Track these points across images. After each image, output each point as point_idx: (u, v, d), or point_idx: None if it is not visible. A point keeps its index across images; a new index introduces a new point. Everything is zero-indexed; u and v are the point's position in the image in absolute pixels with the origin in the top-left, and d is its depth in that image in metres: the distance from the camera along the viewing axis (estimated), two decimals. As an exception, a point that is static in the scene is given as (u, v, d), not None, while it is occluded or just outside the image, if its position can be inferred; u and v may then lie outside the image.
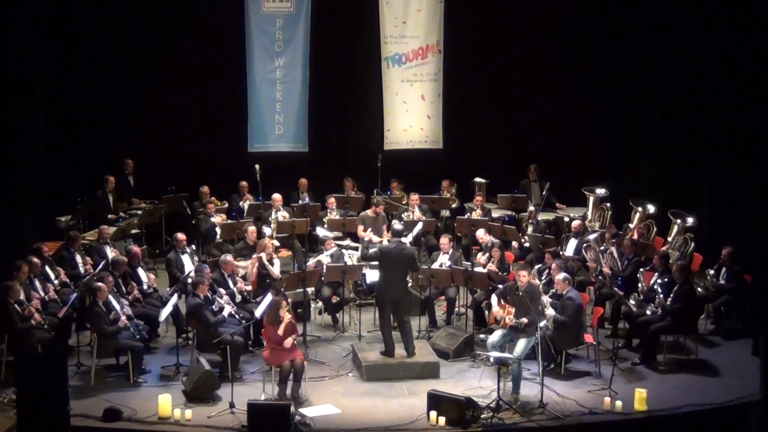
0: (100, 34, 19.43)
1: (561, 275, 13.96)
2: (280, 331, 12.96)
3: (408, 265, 14.11)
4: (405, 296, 14.21)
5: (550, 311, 13.64)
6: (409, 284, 15.62)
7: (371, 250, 14.51)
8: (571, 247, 16.67)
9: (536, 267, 15.63)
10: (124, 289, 14.55)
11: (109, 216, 18.29)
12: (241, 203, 18.84)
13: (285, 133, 20.76)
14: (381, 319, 14.19)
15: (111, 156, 19.40)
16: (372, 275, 15.31)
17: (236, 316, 13.89)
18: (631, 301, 14.68)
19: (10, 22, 16.17)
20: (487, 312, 14.79)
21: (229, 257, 14.99)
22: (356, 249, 16.92)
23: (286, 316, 13.03)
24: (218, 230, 17.55)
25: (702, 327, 15.22)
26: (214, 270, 14.70)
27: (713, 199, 17.97)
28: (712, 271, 15.68)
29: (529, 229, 17.55)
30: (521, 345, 13.13)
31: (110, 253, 16.02)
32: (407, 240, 16.77)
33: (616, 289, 15.01)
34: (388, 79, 20.91)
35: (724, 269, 15.47)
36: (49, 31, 18.07)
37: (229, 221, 17.67)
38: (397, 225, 14.60)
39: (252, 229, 16.48)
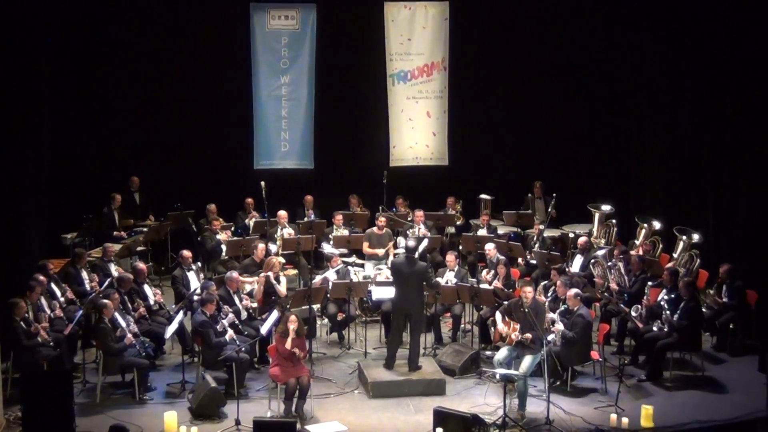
0: (106, 51, 19.48)
1: (572, 291, 13.95)
2: (288, 345, 12.95)
3: (421, 279, 14.23)
4: (418, 311, 14.26)
5: (559, 326, 13.65)
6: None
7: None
8: (577, 264, 16.67)
9: (542, 283, 15.64)
10: (130, 306, 14.57)
11: (114, 233, 18.33)
12: (246, 220, 18.85)
13: (290, 150, 20.80)
14: (389, 331, 14.17)
15: (117, 173, 19.45)
16: (377, 292, 15.31)
17: (236, 341, 13.83)
18: (633, 313, 14.66)
19: (16, 40, 16.22)
20: (492, 329, 14.77)
21: (234, 274, 14.99)
22: (362, 266, 16.91)
23: (292, 329, 13.01)
24: (224, 247, 17.56)
25: (706, 344, 15.19)
26: (219, 287, 14.71)
27: (719, 215, 17.94)
28: (712, 291, 15.66)
29: (535, 246, 17.54)
30: (527, 362, 13.11)
31: (114, 271, 16.06)
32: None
33: (622, 305, 14.99)
34: (393, 96, 20.95)
35: (724, 286, 15.44)
36: (55, 48, 18.13)
37: (235, 238, 17.66)
38: (410, 242, 14.66)
39: (261, 246, 16.44)
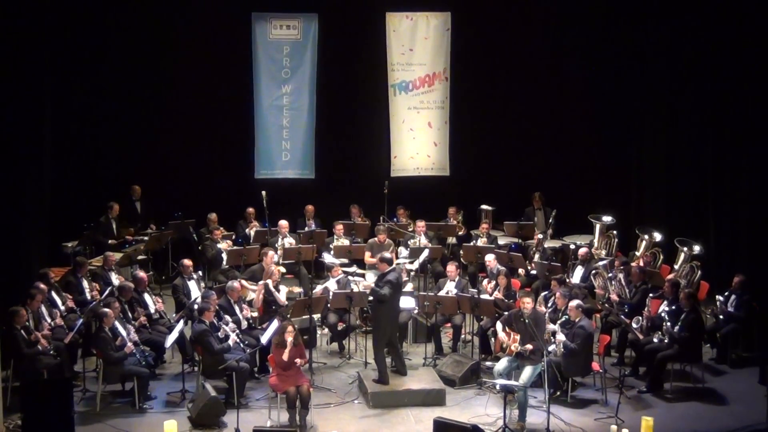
0: (107, 60, 19.52)
1: (574, 302, 13.95)
2: (285, 356, 12.95)
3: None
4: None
5: (561, 336, 13.64)
6: (416, 311, 15.68)
7: (384, 290, 13.81)
8: (577, 275, 16.66)
9: (542, 294, 15.64)
10: (130, 315, 14.56)
11: (110, 241, 18.31)
12: (247, 230, 18.85)
13: (292, 159, 20.83)
14: (380, 347, 14.10)
15: (118, 182, 19.46)
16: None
17: (240, 344, 13.87)
18: (634, 324, 14.65)
19: (17, 50, 16.24)
20: (492, 339, 14.76)
21: (236, 284, 14.98)
22: (362, 276, 16.90)
23: (289, 341, 13.03)
24: (224, 256, 17.55)
25: (706, 356, 15.17)
26: (220, 297, 14.70)
27: (720, 227, 17.95)
28: (721, 298, 15.62)
29: (536, 257, 17.53)
30: (527, 372, 13.10)
31: (115, 279, 16.07)
32: (414, 266, 16.77)
33: (622, 317, 14.98)
34: (394, 106, 20.98)
35: (733, 297, 15.42)
36: (56, 57, 18.16)
37: (235, 247, 17.65)
38: (386, 254, 14.53)
39: (271, 253, 16.36)
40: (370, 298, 15.31)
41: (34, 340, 13.43)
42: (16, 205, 16.21)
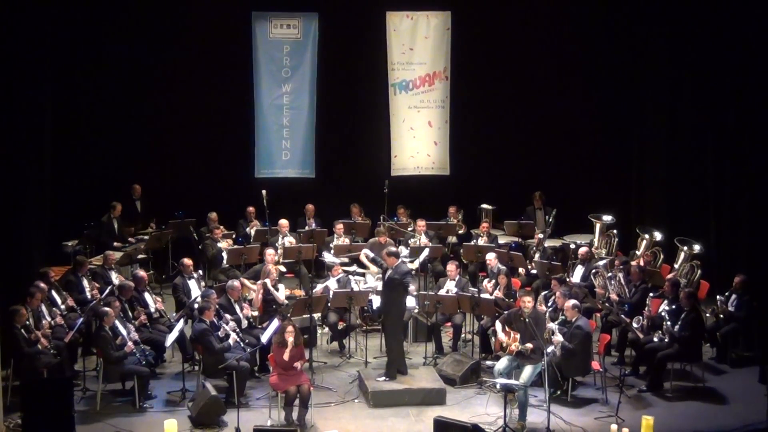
0: (107, 60, 19.52)
1: (570, 302, 13.94)
2: (286, 356, 12.95)
3: None
4: None
5: (558, 337, 13.64)
6: (416, 310, 15.68)
7: (412, 281, 14.36)
8: (578, 274, 16.65)
9: (543, 293, 15.63)
10: (130, 314, 14.56)
11: (115, 243, 18.31)
12: (248, 229, 18.85)
13: (292, 158, 20.85)
14: (397, 341, 14.15)
15: (119, 181, 19.46)
16: (378, 301, 15.29)
17: (241, 343, 13.87)
18: (635, 324, 14.65)
19: (19, 48, 16.23)
20: (493, 339, 14.76)
21: (236, 283, 14.98)
22: (363, 275, 16.90)
23: (290, 341, 13.02)
24: (225, 255, 17.55)
25: (706, 355, 15.16)
26: (220, 296, 14.70)
27: (720, 226, 17.94)
28: (722, 298, 15.60)
29: (536, 256, 17.53)
30: (528, 372, 13.10)
31: (115, 278, 16.08)
32: (413, 265, 16.78)
33: (622, 316, 14.98)
34: (395, 106, 20.98)
35: (734, 297, 15.41)
36: (57, 57, 18.14)
37: (236, 246, 17.65)
38: (391, 248, 14.63)
39: (271, 251, 16.38)
40: (372, 296, 15.41)
41: (35, 340, 13.42)
42: (16, 205, 16.19)
